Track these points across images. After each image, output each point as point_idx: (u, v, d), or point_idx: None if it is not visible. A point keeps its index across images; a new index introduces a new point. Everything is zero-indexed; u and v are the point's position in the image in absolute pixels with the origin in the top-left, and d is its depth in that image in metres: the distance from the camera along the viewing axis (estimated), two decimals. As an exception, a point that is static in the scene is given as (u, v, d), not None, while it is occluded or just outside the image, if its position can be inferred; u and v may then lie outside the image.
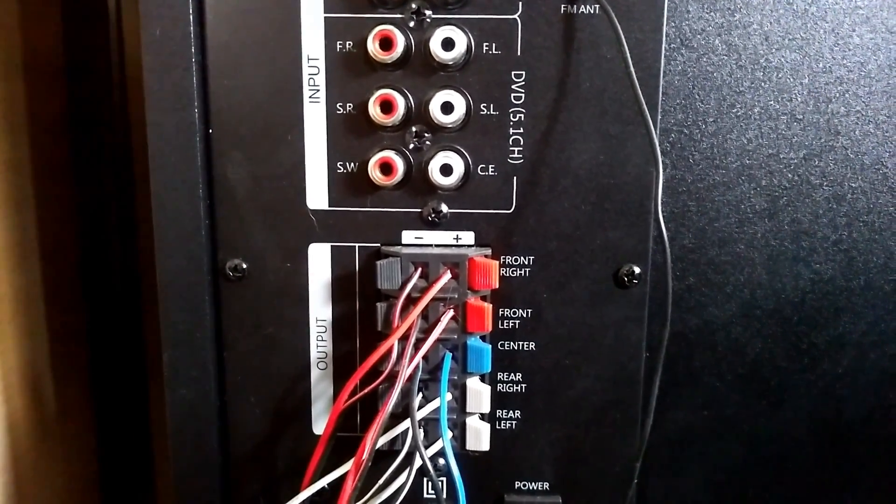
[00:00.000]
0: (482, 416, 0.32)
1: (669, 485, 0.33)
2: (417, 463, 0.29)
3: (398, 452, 0.30)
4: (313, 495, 0.30)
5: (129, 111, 0.53)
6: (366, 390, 0.29)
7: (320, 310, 0.31)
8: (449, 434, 0.30)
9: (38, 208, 0.47)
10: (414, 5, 0.29)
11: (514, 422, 0.32)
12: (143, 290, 0.55)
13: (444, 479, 0.32)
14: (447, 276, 0.29)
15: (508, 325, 0.31)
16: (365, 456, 0.28)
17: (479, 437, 0.31)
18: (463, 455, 0.32)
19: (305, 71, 0.29)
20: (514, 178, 0.30)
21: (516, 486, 0.33)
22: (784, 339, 0.32)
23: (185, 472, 0.33)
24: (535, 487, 0.33)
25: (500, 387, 0.32)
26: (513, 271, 0.31)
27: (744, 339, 0.32)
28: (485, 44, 0.29)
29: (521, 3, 0.29)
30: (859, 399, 0.32)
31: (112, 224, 0.53)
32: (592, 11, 0.29)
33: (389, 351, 0.29)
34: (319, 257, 0.31)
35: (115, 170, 0.53)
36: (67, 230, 0.51)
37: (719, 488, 0.33)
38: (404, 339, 0.29)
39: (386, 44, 0.28)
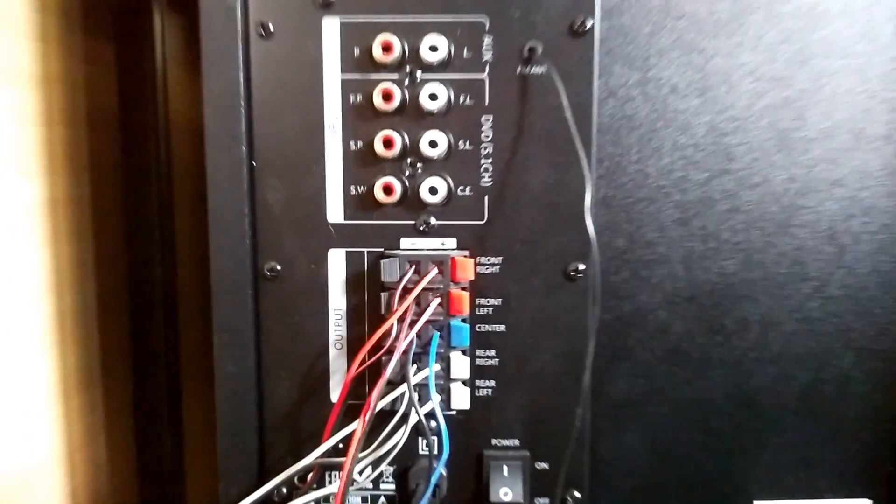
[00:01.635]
0: (464, 382, 0.40)
1: (616, 442, 0.41)
2: (413, 419, 0.38)
3: (397, 412, 0.38)
4: (330, 450, 0.38)
5: (170, 156, 0.62)
6: (372, 359, 0.38)
7: (337, 301, 0.40)
8: (437, 397, 0.38)
9: (94, 236, 0.55)
10: (408, 68, 0.38)
11: (490, 389, 0.40)
12: (181, 305, 0.63)
13: (436, 438, 0.40)
14: (434, 271, 0.38)
15: (484, 312, 0.40)
16: (369, 413, 0.37)
17: (462, 397, 0.39)
18: (449, 416, 0.40)
19: (327, 117, 0.39)
20: (486, 196, 0.39)
21: (492, 443, 0.41)
22: (700, 320, 0.40)
23: (229, 434, 0.40)
24: (507, 444, 0.41)
25: (478, 361, 0.40)
26: (486, 269, 0.40)
27: (669, 321, 0.40)
28: (461, 96, 0.38)
29: (487, 66, 0.38)
30: (764, 369, 0.40)
31: (155, 250, 0.61)
32: (541, 71, 0.38)
33: (389, 330, 0.37)
34: (337, 260, 0.40)
35: (160, 205, 0.61)
36: (118, 254, 0.59)
37: (656, 444, 0.41)
38: (402, 320, 0.38)
39: (387, 97, 0.38)
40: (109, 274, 0.57)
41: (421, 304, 0.38)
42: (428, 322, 0.38)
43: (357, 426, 0.36)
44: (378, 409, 0.37)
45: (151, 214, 0.60)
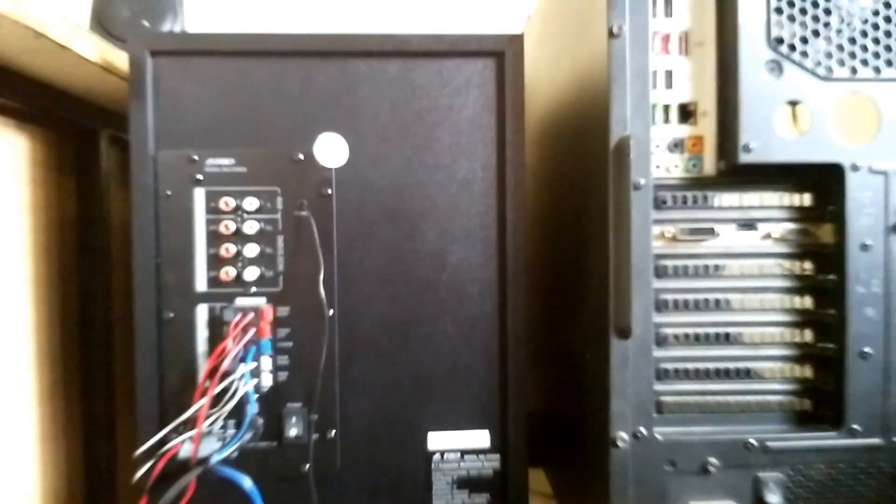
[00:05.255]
0: (269, 371, 0.77)
1: (352, 400, 0.78)
2: (237, 394, 0.74)
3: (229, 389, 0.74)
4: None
5: (110, 245, 0.97)
6: (218, 359, 0.74)
7: (202, 332, 0.76)
8: (252, 381, 0.75)
9: (59, 297, 0.90)
10: (238, 212, 0.76)
11: (285, 376, 0.77)
12: (116, 353, 0.97)
13: (246, 405, 0.77)
14: (252, 314, 0.75)
15: (282, 335, 0.77)
16: (208, 390, 0.73)
17: (267, 379, 0.76)
18: (263, 392, 0.76)
19: (196, 237, 0.76)
20: (281, 276, 0.76)
21: (287, 405, 0.77)
22: (396, 337, 0.78)
23: (144, 407, 0.76)
24: (296, 406, 0.77)
25: (278, 361, 0.77)
26: (282, 313, 0.76)
27: (378, 341, 0.78)
28: (267, 226, 0.76)
29: (280, 211, 0.76)
30: (427, 360, 0.78)
31: (99, 307, 0.95)
32: (306, 214, 0.76)
33: (226, 345, 0.74)
34: (202, 310, 0.76)
35: (101, 278, 0.95)
36: (73, 310, 0.94)
37: (376, 403, 0.78)
38: (234, 340, 0.74)
39: (226, 227, 0.75)
40: (65, 326, 0.92)
41: (246, 332, 0.75)
42: (250, 341, 0.75)
43: (207, 392, 0.73)
44: (220, 388, 0.73)
45: (96, 283, 0.95)
